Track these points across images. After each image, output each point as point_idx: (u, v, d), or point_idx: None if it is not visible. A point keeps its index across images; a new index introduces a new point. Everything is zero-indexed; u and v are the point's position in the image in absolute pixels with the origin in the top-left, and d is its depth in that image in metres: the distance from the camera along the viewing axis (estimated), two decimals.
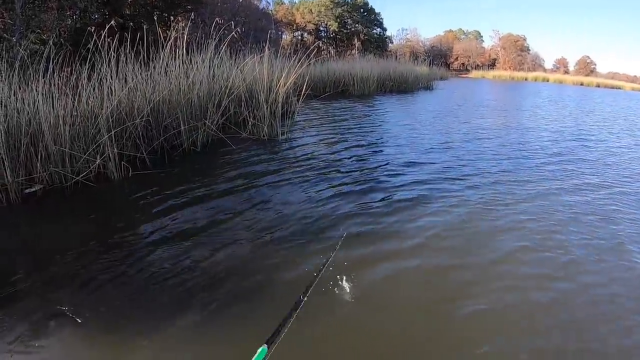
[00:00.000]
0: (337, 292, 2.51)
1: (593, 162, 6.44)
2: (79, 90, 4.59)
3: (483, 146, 7.16)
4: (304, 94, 7.57)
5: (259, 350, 1.09)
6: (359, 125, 8.67)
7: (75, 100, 4.48)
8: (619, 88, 42.59)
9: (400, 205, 4.02)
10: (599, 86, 42.13)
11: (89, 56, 4.90)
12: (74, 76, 4.70)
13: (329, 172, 5.07)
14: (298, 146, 6.46)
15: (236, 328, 2.21)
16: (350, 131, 7.92)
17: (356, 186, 4.55)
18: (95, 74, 4.83)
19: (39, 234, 3.29)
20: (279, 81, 7.03)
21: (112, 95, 4.81)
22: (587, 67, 53.87)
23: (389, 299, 2.50)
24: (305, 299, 1.42)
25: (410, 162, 5.73)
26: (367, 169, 5.31)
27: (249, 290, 2.53)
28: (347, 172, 5.11)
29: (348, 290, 2.53)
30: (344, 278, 2.62)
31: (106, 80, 4.87)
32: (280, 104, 7.01)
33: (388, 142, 7.11)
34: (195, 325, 2.20)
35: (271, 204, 3.95)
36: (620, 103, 22.00)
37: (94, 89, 4.73)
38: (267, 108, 6.78)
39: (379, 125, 8.90)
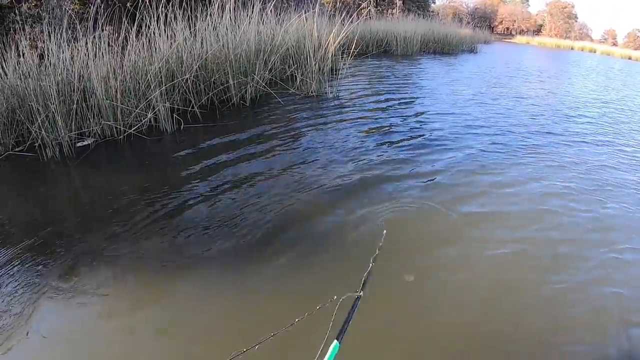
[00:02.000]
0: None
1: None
2: (127, 46, 4.33)
3: (530, 110, 6.66)
4: (353, 52, 6.95)
5: (332, 346, 0.96)
6: (405, 84, 8.01)
7: (123, 56, 4.23)
8: None
9: (449, 162, 3.85)
10: None
11: (137, 13, 4.56)
12: (122, 34, 4.40)
13: (379, 127, 4.86)
14: (346, 103, 6.03)
15: (262, 266, 2.16)
16: (397, 90, 7.32)
17: (404, 142, 4.34)
18: (143, 29, 4.52)
19: (90, 182, 3.18)
20: (327, 38, 6.48)
21: (160, 51, 4.51)
22: (636, 40, 48.12)
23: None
24: (361, 293, 1.21)
25: (456, 120, 5.53)
26: (416, 126, 5.04)
27: (287, 234, 2.44)
28: (396, 128, 4.89)
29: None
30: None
31: (154, 37, 4.56)
32: (329, 61, 6.47)
33: (435, 101, 6.67)
34: (231, 265, 2.17)
35: (322, 157, 3.68)
36: None
37: (142, 46, 4.44)
38: (315, 64, 6.26)
39: (425, 86, 8.15)
